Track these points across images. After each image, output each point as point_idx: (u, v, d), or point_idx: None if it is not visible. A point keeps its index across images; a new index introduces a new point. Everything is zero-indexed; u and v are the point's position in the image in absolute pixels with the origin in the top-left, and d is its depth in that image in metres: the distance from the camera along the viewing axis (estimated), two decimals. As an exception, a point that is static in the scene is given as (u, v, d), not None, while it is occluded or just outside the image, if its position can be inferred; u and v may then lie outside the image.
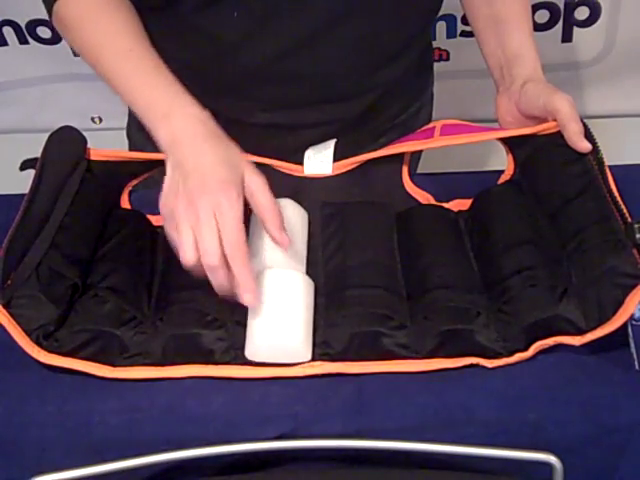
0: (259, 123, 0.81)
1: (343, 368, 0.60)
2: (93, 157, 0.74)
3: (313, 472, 0.59)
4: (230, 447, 0.54)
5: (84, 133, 0.74)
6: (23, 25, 1.33)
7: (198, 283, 0.65)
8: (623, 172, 0.69)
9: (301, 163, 0.77)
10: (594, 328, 0.58)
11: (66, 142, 0.72)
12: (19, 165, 0.70)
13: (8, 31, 1.35)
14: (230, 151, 0.63)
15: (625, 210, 0.64)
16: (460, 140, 0.74)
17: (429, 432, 0.58)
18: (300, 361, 0.61)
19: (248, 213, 0.69)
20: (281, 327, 0.60)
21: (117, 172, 0.76)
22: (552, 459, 0.53)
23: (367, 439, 0.56)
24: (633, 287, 0.57)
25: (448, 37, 1.35)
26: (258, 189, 0.61)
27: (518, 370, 0.60)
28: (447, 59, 1.38)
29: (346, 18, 0.73)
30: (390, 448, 0.55)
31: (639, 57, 1.38)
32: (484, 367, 0.60)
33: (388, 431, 0.58)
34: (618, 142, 1.19)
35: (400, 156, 0.78)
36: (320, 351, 0.61)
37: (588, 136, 0.69)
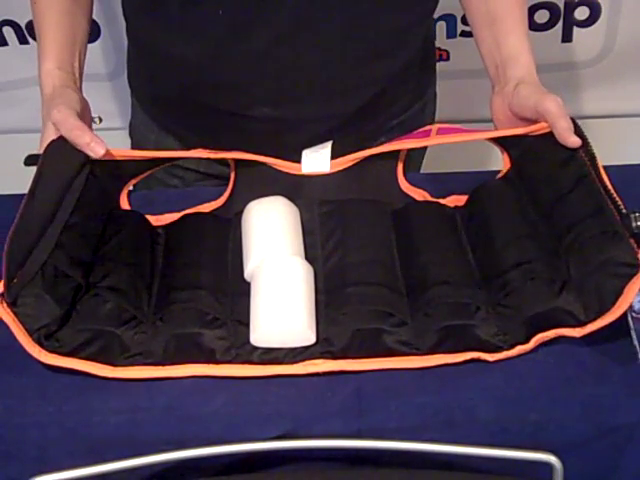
0: (259, 117, 0.81)
1: (345, 365, 0.60)
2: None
3: (313, 472, 0.59)
4: (230, 447, 0.54)
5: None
6: (23, 25, 1.33)
7: (198, 283, 0.66)
8: (622, 172, 0.69)
9: (299, 162, 0.77)
10: (594, 319, 0.59)
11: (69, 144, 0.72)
12: (23, 160, 0.70)
13: (8, 31, 1.35)
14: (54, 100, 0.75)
15: (620, 201, 0.64)
16: (455, 139, 0.74)
17: (429, 432, 0.58)
18: (304, 344, 0.61)
19: (240, 216, 0.72)
20: (284, 311, 0.61)
21: (117, 172, 0.76)
22: (552, 459, 0.52)
23: (367, 439, 0.56)
24: (632, 277, 0.57)
25: (448, 37, 1.35)
26: (57, 121, 0.72)
27: (518, 369, 0.60)
28: (447, 59, 1.38)
29: (328, 4, 0.73)
30: (390, 448, 0.55)
31: (639, 57, 1.37)
32: (485, 365, 0.60)
33: (388, 431, 0.58)
34: (618, 142, 1.19)
35: (395, 155, 0.78)
36: (321, 349, 0.61)
37: (578, 132, 0.69)
